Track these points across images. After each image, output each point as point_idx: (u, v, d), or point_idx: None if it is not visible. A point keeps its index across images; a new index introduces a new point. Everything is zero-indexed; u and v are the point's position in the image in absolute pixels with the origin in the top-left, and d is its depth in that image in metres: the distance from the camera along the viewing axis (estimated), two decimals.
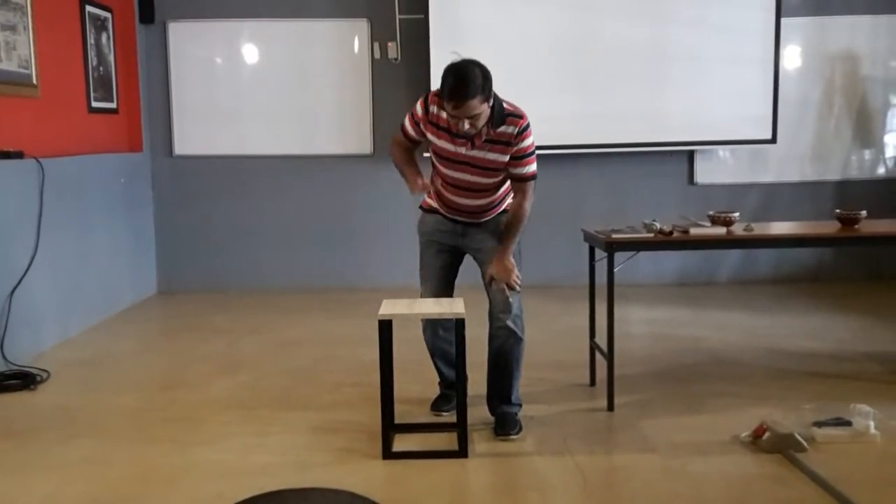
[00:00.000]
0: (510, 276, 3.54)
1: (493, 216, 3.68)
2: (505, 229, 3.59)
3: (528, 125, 3.43)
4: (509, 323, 3.56)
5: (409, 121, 3.57)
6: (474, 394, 3.66)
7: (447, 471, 3.23)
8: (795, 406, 3.80)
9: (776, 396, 4.04)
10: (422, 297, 3.74)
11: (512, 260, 3.58)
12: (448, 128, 3.41)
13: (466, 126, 3.30)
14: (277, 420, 3.84)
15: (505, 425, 3.58)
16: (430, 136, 3.51)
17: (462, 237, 3.71)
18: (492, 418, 3.68)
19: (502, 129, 3.40)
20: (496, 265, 3.55)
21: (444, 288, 3.75)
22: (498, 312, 3.58)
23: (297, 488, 2.99)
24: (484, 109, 3.29)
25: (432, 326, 3.75)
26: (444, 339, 3.75)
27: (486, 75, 3.25)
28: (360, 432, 3.62)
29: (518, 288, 3.58)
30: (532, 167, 3.50)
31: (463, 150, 3.45)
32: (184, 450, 3.49)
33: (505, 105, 3.41)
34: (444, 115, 3.38)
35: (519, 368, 3.67)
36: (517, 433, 3.57)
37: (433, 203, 3.76)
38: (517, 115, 3.42)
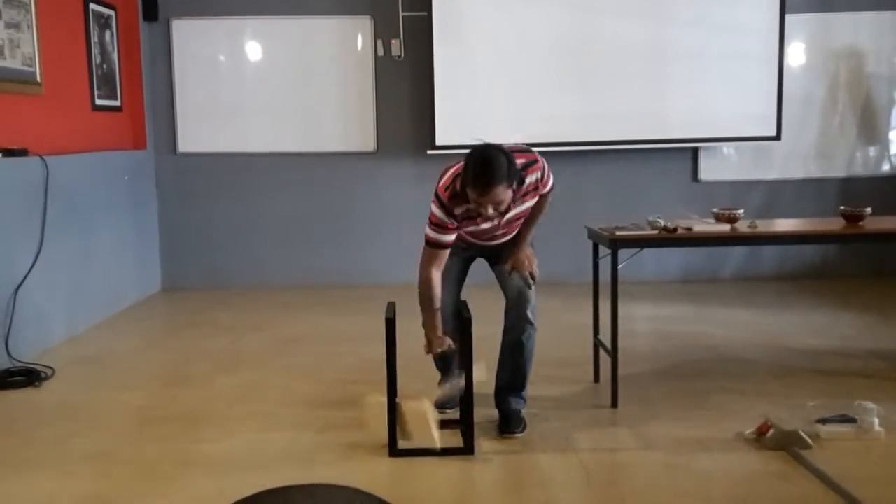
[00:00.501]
0: (530, 264, 3.59)
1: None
2: (525, 221, 3.62)
3: (542, 163, 3.46)
4: (528, 313, 3.57)
5: (438, 232, 3.41)
6: (478, 392, 3.66)
7: (453, 468, 3.24)
8: (800, 403, 3.80)
9: (780, 393, 4.03)
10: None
11: (531, 249, 3.62)
12: (477, 214, 3.39)
13: (490, 211, 3.28)
14: (281, 417, 3.85)
15: (510, 423, 3.58)
16: (463, 227, 3.47)
17: (482, 251, 3.73)
18: (496, 416, 3.67)
19: (527, 181, 3.40)
20: (516, 254, 3.60)
21: (458, 293, 3.73)
22: (514, 304, 3.58)
23: (302, 485, 2.99)
24: (508, 195, 3.26)
25: (443, 322, 3.70)
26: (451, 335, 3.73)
27: (510, 160, 3.22)
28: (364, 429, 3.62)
29: (535, 279, 3.60)
30: (551, 182, 3.56)
31: (497, 223, 3.46)
32: (187, 447, 3.50)
33: (517, 160, 3.32)
34: (468, 206, 3.33)
35: (532, 361, 3.67)
36: (521, 431, 3.57)
37: None
38: (532, 161, 3.42)
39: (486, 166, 3.18)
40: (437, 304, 3.44)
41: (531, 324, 3.59)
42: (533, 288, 3.59)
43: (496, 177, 3.17)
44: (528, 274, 3.57)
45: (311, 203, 6.99)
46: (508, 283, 3.61)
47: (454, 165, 3.40)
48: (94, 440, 3.59)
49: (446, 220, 3.38)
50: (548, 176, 3.52)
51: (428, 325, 3.46)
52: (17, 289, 4.69)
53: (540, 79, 6.61)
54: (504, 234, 3.62)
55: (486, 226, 3.48)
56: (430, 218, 3.42)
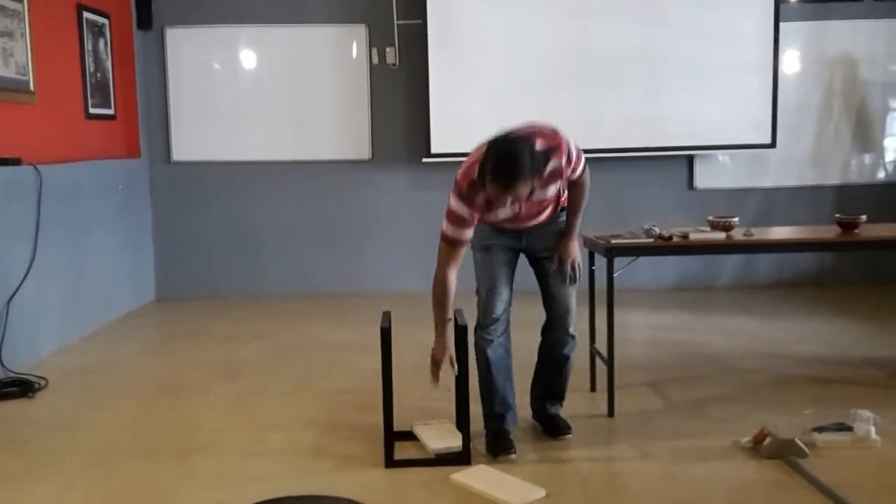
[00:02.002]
0: (577, 256, 3.49)
1: (552, 217, 3.54)
2: (571, 210, 3.49)
3: (567, 146, 3.25)
4: (572, 329, 3.60)
5: (456, 227, 3.25)
6: (476, 398, 3.64)
7: (448, 479, 3.21)
8: (796, 411, 3.79)
9: (777, 402, 4.03)
10: (488, 301, 3.51)
11: (576, 243, 3.53)
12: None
13: (508, 203, 3.13)
14: (277, 427, 3.83)
15: (560, 427, 3.63)
16: (483, 216, 3.33)
17: (524, 241, 3.56)
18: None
19: (550, 166, 3.20)
20: (565, 244, 3.48)
21: (510, 288, 3.55)
22: (560, 321, 3.57)
23: (297, 496, 2.98)
24: (528, 189, 3.10)
25: (499, 334, 3.51)
26: (506, 349, 3.56)
27: (533, 154, 3.05)
28: (360, 439, 3.61)
29: (579, 275, 3.53)
30: (581, 164, 3.36)
31: (518, 209, 3.33)
32: (182, 457, 3.48)
33: (538, 143, 3.15)
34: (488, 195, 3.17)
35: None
36: (571, 431, 3.62)
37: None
38: (555, 146, 3.21)
39: (509, 163, 2.99)
40: (450, 307, 3.30)
41: (574, 337, 3.62)
42: (574, 299, 3.57)
43: (518, 175, 3.00)
44: (570, 268, 3.48)
45: (306, 211, 6.98)
46: (555, 297, 3.55)
47: (477, 151, 3.21)
48: (90, 451, 3.57)
49: (465, 213, 3.21)
50: (575, 160, 3.28)
51: (438, 328, 3.32)
52: (9, 299, 4.66)
53: (535, 87, 6.60)
54: (530, 219, 3.44)
55: (503, 215, 3.35)
56: (447, 212, 3.25)
